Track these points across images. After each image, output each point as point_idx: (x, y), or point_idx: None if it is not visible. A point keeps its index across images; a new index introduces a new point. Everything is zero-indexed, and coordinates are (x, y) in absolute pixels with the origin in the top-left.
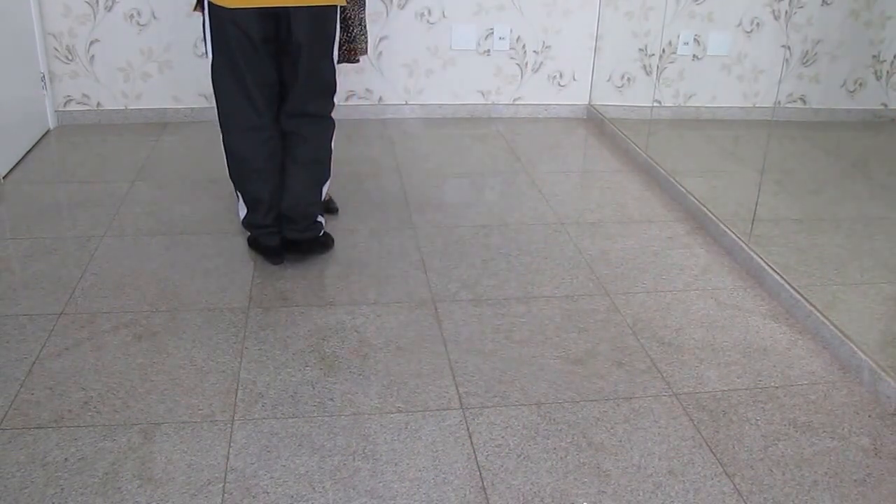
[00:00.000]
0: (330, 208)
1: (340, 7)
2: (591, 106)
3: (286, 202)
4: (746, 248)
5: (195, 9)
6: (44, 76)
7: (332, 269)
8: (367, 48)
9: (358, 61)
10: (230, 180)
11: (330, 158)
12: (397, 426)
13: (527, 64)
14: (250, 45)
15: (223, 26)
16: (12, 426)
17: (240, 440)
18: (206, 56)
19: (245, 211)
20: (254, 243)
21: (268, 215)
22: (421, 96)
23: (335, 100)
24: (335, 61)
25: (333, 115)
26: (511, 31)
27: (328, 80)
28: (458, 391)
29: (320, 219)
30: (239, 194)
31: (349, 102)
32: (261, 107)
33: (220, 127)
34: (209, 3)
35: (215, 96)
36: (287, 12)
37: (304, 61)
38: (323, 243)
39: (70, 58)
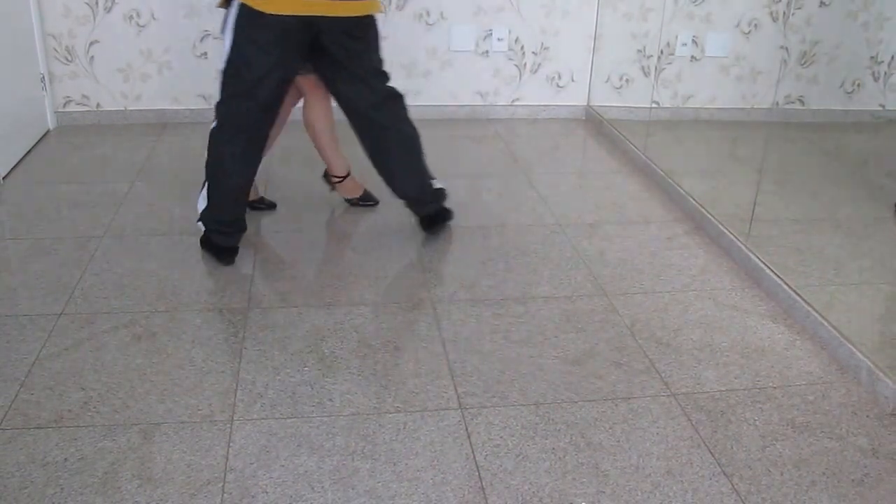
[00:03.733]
0: (370, 198)
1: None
2: (590, 107)
3: (406, 188)
4: (745, 249)
5: (221, 4)
6: (43, 77)
7: (331, 269)
8: None
9: None
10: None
11: (413, 125)
12: (396, 426)
13: (525, 65)
14: (276, 48)
15: (252, 27)
16: (12, 426)
17: (239, 440)
18: (224, 50)
19: (205, 204)
20: (206, 242)
21: (226, 211)
22: (419, 97)
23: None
24: (379, 53)
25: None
26: (509, 32)
27: (375, 66)
28: (456, 391)
29: (437, 184)
30: (205, 187)
31: None
32: (261, 109)
33: (219, 128)
34: (242, 4)
35: (225, 104)
36: (321, 22)
37: (344, 64)
38: (447, 209)
39: (70, 59)
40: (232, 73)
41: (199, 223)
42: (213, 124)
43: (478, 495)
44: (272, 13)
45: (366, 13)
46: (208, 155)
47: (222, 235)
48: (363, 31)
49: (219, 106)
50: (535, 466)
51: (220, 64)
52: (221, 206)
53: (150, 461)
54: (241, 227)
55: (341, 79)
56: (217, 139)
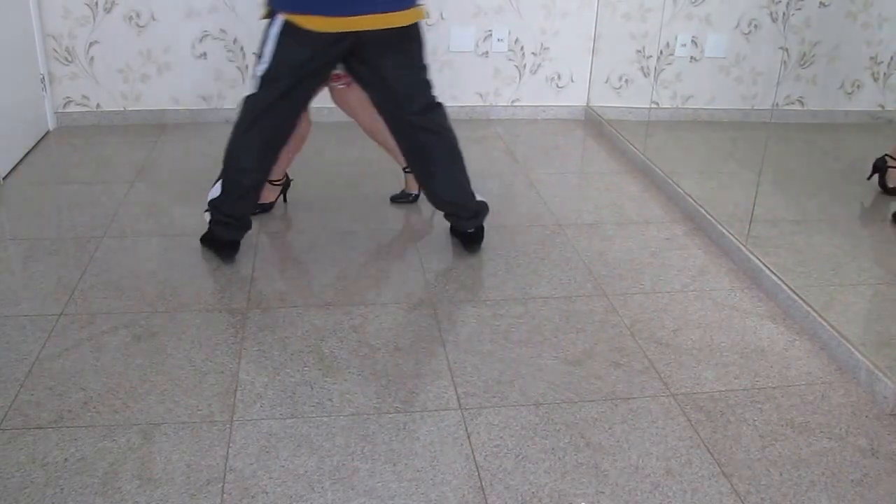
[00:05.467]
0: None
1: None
2: (589, 107)
3: (445, 193)
4: (744, 249)
5: (264, 17)
6: (43, 77)
7: (331, 269)
8: None
9: None
10: (223, 163)
11: (454, 134)
12: (396, 426)
13: (525, 66)
14: (314, 61)
15: (293, 42)
16: (12, 426)
17: (239, 440)
18: (261, 62)
19: (219, 192)
20: (207, 238)
21: (235, 205)
22: None
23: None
24: (424, 62)
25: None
26: (509, 32)
27: (420, 78)
28: (456, 391)
29: (479, 197)
30: (222, 178)
31: None
32: (289, 113)
33: (241, 120)
34: (285, 20)
35: (253, 96)
36: (363, 35)
37: (392, 74)
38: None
39: (70, 59)
40: (268, 80)
41: (206, 214)
42: (237, 117)
43: (478, 495)
44: (315, 30)
45: (409, 22)
46: (227, 145)
47: (226, 228)
48: (408, 44)
49: (246, 100)
50: (535, 466)
51: (258, 70)
52: (230, 199)
53: (150, 461)
54: (246, 225)
55: (382, 91)
56: (237, 131)
